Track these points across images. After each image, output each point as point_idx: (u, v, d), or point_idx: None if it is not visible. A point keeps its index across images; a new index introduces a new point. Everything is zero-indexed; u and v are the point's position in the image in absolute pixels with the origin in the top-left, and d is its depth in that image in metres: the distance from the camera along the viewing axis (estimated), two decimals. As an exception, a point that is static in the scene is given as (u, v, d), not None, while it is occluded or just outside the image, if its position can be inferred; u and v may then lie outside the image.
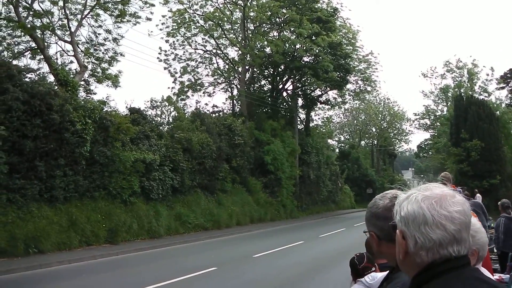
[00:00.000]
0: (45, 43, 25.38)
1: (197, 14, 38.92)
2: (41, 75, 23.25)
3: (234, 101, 41.97)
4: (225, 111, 41.66)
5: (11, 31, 26.43)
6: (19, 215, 16.60)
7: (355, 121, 79.16)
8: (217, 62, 42.14)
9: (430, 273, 1.64)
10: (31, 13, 24.75)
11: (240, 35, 40.14)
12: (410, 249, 1.66)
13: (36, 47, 25.45)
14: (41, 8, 25.72)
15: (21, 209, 16.85)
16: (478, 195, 25.09)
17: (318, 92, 48.21)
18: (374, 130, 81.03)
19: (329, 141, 61.34)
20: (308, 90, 47.60)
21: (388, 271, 2.45)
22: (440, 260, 1.63)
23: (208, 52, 41.74)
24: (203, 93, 42.63)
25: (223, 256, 17.21)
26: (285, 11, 38.84)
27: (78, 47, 26.72)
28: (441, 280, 1.61)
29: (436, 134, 58.42)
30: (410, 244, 1.66)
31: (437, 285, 1.61)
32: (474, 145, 37.91)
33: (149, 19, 29.38)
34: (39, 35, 24.66)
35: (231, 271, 14.78)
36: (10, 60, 24.11)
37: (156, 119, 28.93)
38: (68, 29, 26.27)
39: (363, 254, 4.28)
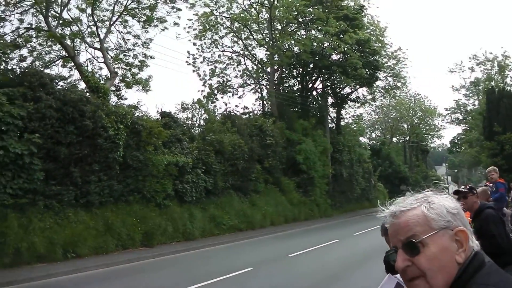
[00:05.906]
0: (75, 51, 25.67)
1: (224, 16, 39.11)
2: (72, 82, 23.63)
3: (264, 102, 41.89)
4: (255, 112, 41.55)
5: (43, 41, 26.84)
6: (57, 221, 16.89)
7: (386, 118, 78.36)
8: (245, 63, 42.22)
9: (470, 270, 1.55)
10: (60, 22, 25.13)
11: (268, 36, 40.12)
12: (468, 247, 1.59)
13: (66, 55, 25.79)
14: (70, 16, 26.13)
15: (58, 214, 17.15)
16: None
17: (347, 90, 48.03)
18: (405, 126, 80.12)
19: (361, 138, 60.91)
20: (338, 88, 47.36)
21: None
22: (472, 256, 1.57)
23: (236, 54, 41.88)
24: (233, 94, 42.78)
25: (258, 256, 17.18)
26: (311, 10, 38.70)
27: (108, 53, 27.03)
28: (483, 274, 1.54)
29: (468, 128, 57.62)
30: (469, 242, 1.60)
31: (481, 279, 1.53)
32: (508, 138, 37.31)
33: (176, 23, 29.53)
34: (69, 43, 25.00)
35: (267, 271, 14.73)
36: (42, 69, 24.45)
37: (187, 122, 29.03)
38: (97, 36, 26.59)
39: None
